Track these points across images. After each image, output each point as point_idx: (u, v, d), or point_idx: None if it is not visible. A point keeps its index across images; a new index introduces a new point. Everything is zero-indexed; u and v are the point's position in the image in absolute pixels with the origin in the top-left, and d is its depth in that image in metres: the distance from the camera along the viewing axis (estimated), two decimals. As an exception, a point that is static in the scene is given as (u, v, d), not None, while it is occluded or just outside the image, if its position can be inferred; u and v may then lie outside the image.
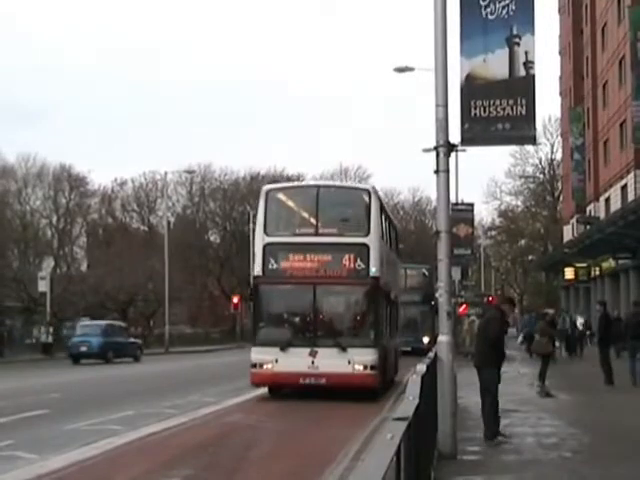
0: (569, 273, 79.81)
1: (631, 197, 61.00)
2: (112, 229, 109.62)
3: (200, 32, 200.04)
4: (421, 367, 16.06)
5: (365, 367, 32.50)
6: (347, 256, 33.64)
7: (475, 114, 19.71)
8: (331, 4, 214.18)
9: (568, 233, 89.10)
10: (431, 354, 21.32)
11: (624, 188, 66.42)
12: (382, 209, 37.71)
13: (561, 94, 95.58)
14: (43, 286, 76.57)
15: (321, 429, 25.95)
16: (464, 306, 61.63)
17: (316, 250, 34.18)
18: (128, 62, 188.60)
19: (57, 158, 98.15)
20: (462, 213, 61.43)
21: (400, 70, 52.20)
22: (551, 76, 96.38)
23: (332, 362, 32.43)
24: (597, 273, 72.70)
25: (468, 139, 20.12)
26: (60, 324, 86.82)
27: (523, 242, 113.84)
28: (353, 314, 35.40)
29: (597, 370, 38.17)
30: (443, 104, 19.24)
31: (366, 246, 33.47)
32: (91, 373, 51.29)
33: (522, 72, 19.84)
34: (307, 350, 32.97)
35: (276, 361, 33.11)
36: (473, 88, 19.81)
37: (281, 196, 36.60)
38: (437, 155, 19.31)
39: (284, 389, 35.42)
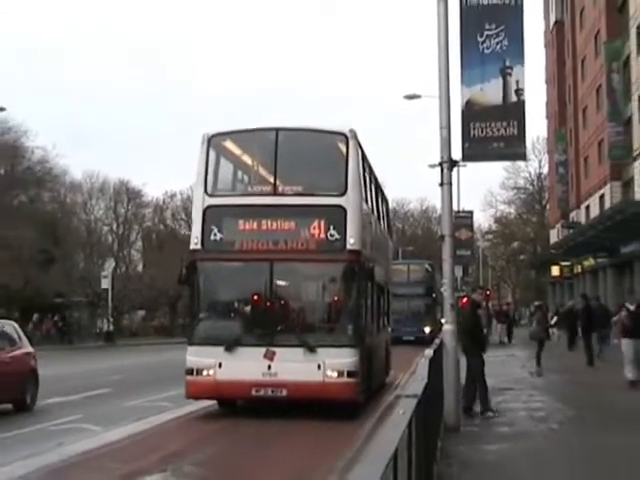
0: (555, 270, 79.78)
1: (608, 205, 60.86)
2: (164, 235, 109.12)
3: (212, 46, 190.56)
4: (429, 352, 16.00)
5: (341, 374, 20.42)
6: (316, 222, 21.31)
7: (474, 134, 19.75)
8: (344, 25, 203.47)
9: (554, 236, 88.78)
10: (437, 341, 21.28)
11: (602, 197, 66.32)
12: (365, 161, 24.14)
13: (547, 117, 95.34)
14: (105, 284, 76.82)
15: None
16: (465, 299, 61.22)
17: (274, 215, 21.68)
18: (160, 79, 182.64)
19: (117, 174, 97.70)
20: (463, 219, 61.16)
21: (409, 97, 52.16)
22: (538, 102, 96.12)
23: (296, 367, 20.54)
24: (579, 270, 72.58)
25: (468, 156, 20.16)
26: (120, 316, 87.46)
27: (516, 244, 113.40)
28: (325, 301, 22.61)
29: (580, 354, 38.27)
30: (446, 126, 19.32)
31: (341, 209, 21.21)
32: (147, 358, 51.19)
33: (514, 98, 19.88)
34: (262, 350, 20.78)
35: (219, 366, 20.97)
36: (472, 112, 19.85)
37: (228, 144, 24.00)
38: (441, 170, 19.47)
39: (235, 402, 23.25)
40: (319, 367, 20.65)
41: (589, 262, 66.69)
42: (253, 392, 20.93)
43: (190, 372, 21.35)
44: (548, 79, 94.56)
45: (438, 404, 15.68)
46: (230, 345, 21.16)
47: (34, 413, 22.35)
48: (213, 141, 22.79)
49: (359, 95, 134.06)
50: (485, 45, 19.69)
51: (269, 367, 20.85)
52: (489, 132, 19.72)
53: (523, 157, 22.88)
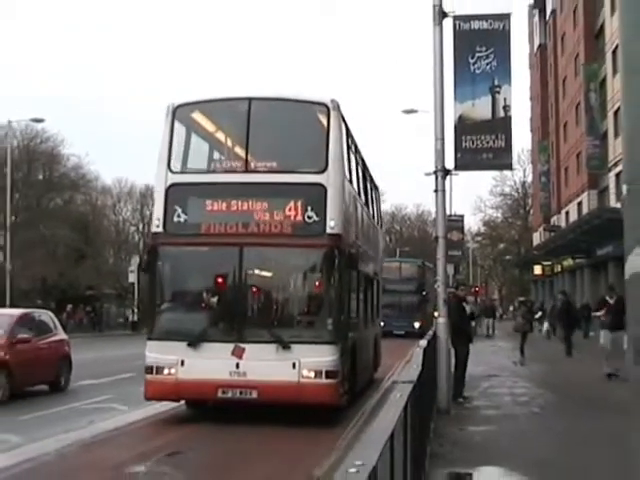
0: (537, 269, 79.76)
1: (585, 211, 60.90)
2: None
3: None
4: (423, 342, 15.99)
5: (318, 374, 16.93)
6: (292, 203, 17.60)
7: (465, 146, 19.75)
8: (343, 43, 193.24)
9: (537, 238, 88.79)
10: (430, 332, 21.25)
11: (580, 204, 66.39)
12: (349, 138, 20.15)
13: (531, 131, 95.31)
14: (132, 278, 76.66)
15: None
16: (451, 295, 60.58)
17: (245, 194, 17.92)
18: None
19: (143, 180, 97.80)
20: (455, 223, 61.22)
21: (407, 112, 52.01)
22: (524, 117, 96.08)
23: (268, 366, 16.95)
24: (559, 270, 72.53)
25: (460, 165, 20.13)
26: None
27: (502, 245, 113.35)
28: (301, 292, 18.54)
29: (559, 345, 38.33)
30: (441, 138, 19.34)
31: (321, 188, 17.56)
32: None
33: (502, 114, 19.87)
34: (229, 347, 17.20)
35: (182, 364, 17.35)
36: (464, 126, 19.85)
37: (195, 115, 19.64)
38: (436, 177, 19.50)
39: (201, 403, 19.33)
40: (294, 366, 16.82)
41: (568, 262, 66.68)
42: (219, 394, 17.11)
43: (149, 370, 17.54)
44: (532, 97, 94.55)
45: (431, 389, 15.68)
46: (194, 341, 17.28)
47: (67, 394, 22.40)
48: (179, 112, 18.70)
49: (358, 102, 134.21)
50: (476, 66, 19.73)
51: (237, 366, 17.01)
52: (479, 144, 19.73)
53: (510, 167, 22.92)
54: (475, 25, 20.00)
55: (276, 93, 19.73)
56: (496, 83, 19.83)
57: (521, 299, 49.64)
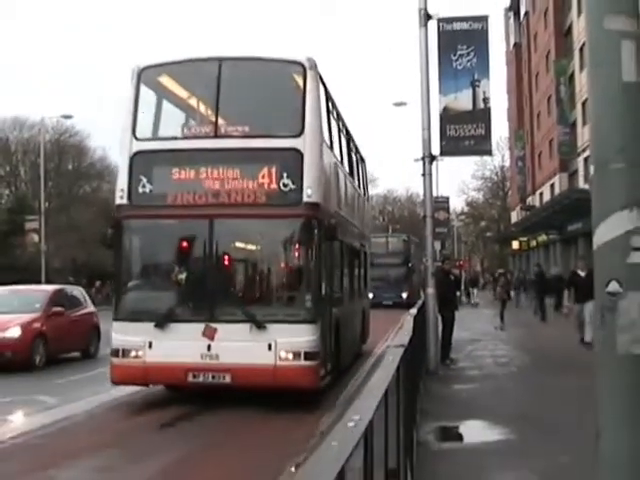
0: (515, 244, 79.63)
1: (557, 192, 60.92)
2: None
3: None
4: (413, 311, 16.03)
5: (296, 355, 14.36)
6: (266, 170, 14.93)
7: (450, 134, 19.78)
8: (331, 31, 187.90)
9: (514, 217, 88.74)
10: (420, 302, 21.26)
11: (552, 186, 66.37)
12: (329, 100, 17.61)
13: (508, 120, 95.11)
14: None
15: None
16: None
17: (215, 161, 15.26)
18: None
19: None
20: (441, 203, 60.97)
21: (397, 104, 51.70)
22: (501, 108, 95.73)
23: (241, 347, 14.37)
24: (534, 244, 72.55)
25: (445, 152, 20.17)
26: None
27: (483, 223, 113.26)
28: (277, 266, 15.93)
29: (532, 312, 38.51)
30: (427, 127, 19.30)
31: (297, 153, 14.92)
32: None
33: (481, 105, 19.91)
34: (200, 327, 14.56)
35: (149, 346, 14.72)
36: (448, 116, 19.89)
37: (162, 78, 16.85)
38: (423, 163, 19.48)
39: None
40: (270, 347, 14.19)
41: (542, 238, 66.74)
42: (189, 378, 14.48)
43: (115, 353, 14.92)
44: (509, 90, 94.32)
45: (421, 352, 15.70)
46: (161, 321, 14.64)
47: (97, 360, 22.36)
48: (144, 75, 15.90)
49: (352, 95, 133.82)
50: (458, 62, 19.75)
51: (209, 347, 14.42)
52: (462, 132, 19.76)
53: (489, 153, 22.96)
54: (457, 26, 20.06)
55: (248, 53, 16.56)
56: (476, 78, 19.89)
57: (501, 271, 49.57)
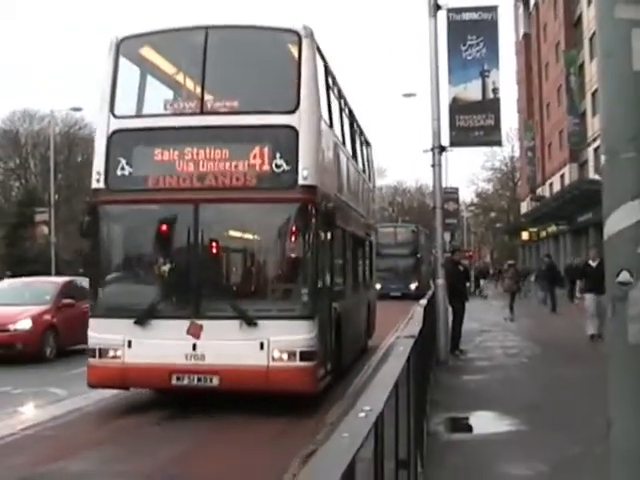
0: (525, 235, 79.41)
1: (567, 182, 60.84)
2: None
3: None
4: (423, 301, 16.01)
5: (291, 355, 12.93)
6: (257, 150, 13.40)
7: (459, 125, 19.77)
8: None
9: (524, 207, 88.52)
10: (430, 292, 21.23)
11: (562, 176, 66.24)
12: (328, 73, 16.01)
13: (518, 111, 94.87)
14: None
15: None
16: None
17: (201, 140, 13.75)
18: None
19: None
20: (450, 194, 60.70)
21: (407, 95, 51.46)
22: (511, 99, 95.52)
23: (230, 346, 12.96)
24: (544, 235, 72.41)
25: (455, 142, 20.15)
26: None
27: (493, 214, 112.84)
28: (270, 256, 14.36)
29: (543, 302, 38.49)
30: (437, 118, 19.31)
31: (292, 131, 13.42)
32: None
33: (491, 96, 19.90)
34: (184, 324, 13.11)
35: (129, 345, 13.27)
36: (457, 107, 19.89)
37: (143, 50, 15.20)
38: (433, 154, 19.47)
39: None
40: (262, 347, 12.77)
41: (552, 228, 66.60)
42: (173, 381, 13.03)
43: (92, 353, 13.48)
44: (519, 81, 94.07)
45: (431, 343, 15.68)
46: (142, 317, 13.19)
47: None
48: (124, 46, 14.32)
49: (361, 86, 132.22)
50: (468, 53, 19.74)
51: (194, 347, 12.97)
52: (471, 123, 19.76)
53: (499, 143, 22.88)
54: (466, 16, 20.04)
55: (237, 20, 15.15)
56: (486, 68, 19.88)
57: (510, 262, 49.32)
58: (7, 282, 26.05)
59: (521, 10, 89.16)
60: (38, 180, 79.62)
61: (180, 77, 15.71)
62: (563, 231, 62.88)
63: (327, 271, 14.66)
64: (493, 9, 20.30)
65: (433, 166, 19.62)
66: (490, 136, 20.27)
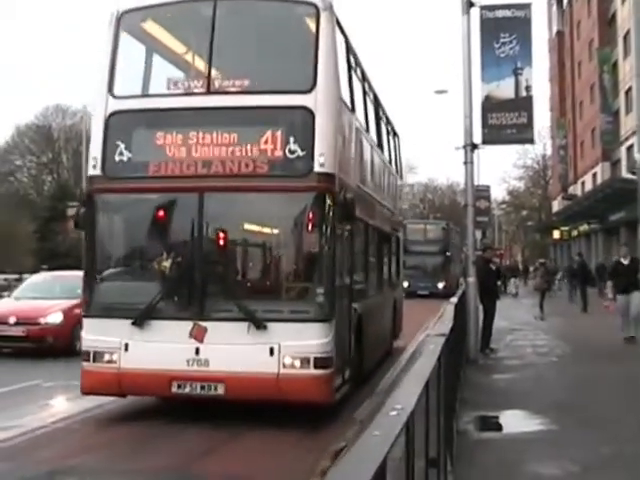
0: (556, 234, 79.05)
1: (599, 181, 60.55)
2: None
3: None
4: (454, 299, 15.97)
5: (305, 362, 11.65)
6: (269, 133, 12.08)
7: (491, 123, 19.68)
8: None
9: (555, 206, 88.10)
10: (459, 291, 21.16)
11: (594, 175, 65.92)
12: (349, 51, 14.48)
13: (550, 109, 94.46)
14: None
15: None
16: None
17: (207, 122, 12.49)
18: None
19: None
20: (482, 192, 60.27)
21: (439, 92, 51.21)
22: (543, 96, 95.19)
23: (237, 351, 11.77)
24: (576, 234, 72.04)
25: (487, 140, 20.02)
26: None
27: (524, 212, 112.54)
28: (282, 252, 13.03)
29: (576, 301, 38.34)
30: (469, 116, 19.26)
31: (307, 112, 12.12)
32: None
33: (524, 93, 19.79)
34: (187, 326, 11.93)
35: (125, 348, 12.12)
36: (490, 104, 19.79)
37: (146, 24, 13.81)
38: (465, 151, 19.43)
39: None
40: (272, 352, 11.54)
41: (584, 227, 66.28)
42: (174, 388, 11.85)
43: (86, 357, 12.33)
44: (551, 78, 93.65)
45: (462, 341, 15.64)
46: (140, 318, 11.98)
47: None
48: (125, 20, 13.07)
49: (393, 83, 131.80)
50: (500, 50, 19.66)
51: (197, 351, 11.76)
52: (504, 121, 19.67)
53: (531, 141, 22.74)
54: (499, 14, 19.95)
55: None
56: (519, 66, 19.77)
57: (541, 261, 48.97)
58: (42, 276, 26.13)
59: (554, 7, 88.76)
60: (70, 175, 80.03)
61: (186, 53, 14.25)
62: (595, 230, 62.59)
63: (347, 269, 13.43)
64: (526, 6, 20.19)
65: (465, 163, 19.59)
66: (522, 134, 20.19)
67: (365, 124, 16.10)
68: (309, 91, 12.13)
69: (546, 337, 24.31)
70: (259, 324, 11.67)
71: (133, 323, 12.02)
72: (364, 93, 16.43)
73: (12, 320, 20.39)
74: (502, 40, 19.73)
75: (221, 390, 11.71)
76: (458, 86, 19.57)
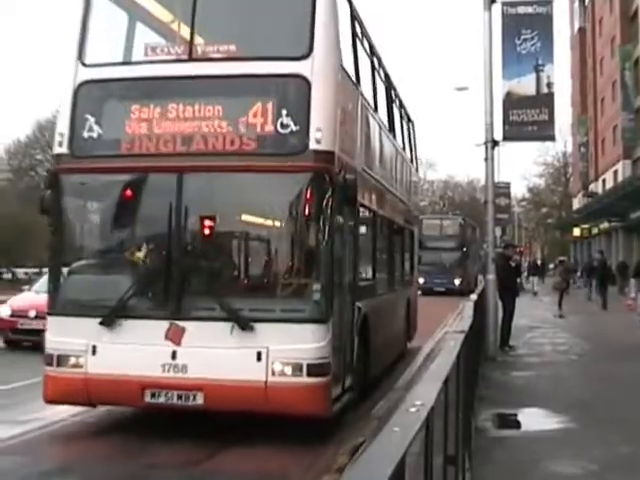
0: (576, 231, 78.84)
1: (620, 178, 60.33)
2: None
3: None
4: (474, 296, 15.94)
5: (297, 369, 9.97)
6: (258, 105, 10.38)
7: (512, 119, 19.66)
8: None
9: (576, 203, 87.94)
10: (480, 288, 21.10)
11: (615, 172, 65.71)
12: (354, 17, 12.76)
13: (572, 106, 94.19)
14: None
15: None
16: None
17: (189, 93, 10.81)
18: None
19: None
20: (502, 189, 59.44)
21: (459, 89, 51.22)
22: (565, 93, 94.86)
23: (219, 355, 10.11)
24: (596, 232, 71.81)
25: (507, 137, 20.04)
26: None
27: (545, 210, 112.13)
28: (272, 241, 11.22)
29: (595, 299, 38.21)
30: (490, 112, 19.24)
31: (302, 81, 10.45)
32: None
33: (545, 90, 19.75)
34: (162, 326, 10.28)
35: (93, 351, 10.46)
36: (511, 101, 19.77)
37: None
38: (486, 148, 19.44)
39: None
40: (259, 357, 9.99)
41: (604, 225, 66.05)
42: (147, 397, 10.31)
43: (49, 361, 10.80)
44: (573, 75, 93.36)
45: (480, 338, 15.62)
46: (110, 316, 10.43)
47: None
48: None
49: (413, 81, 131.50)
50: (522, 47, 19.62)
51: (174, 355, 10.20)
52: (525, 118, 19.64)
53: (552, 138, 22.66)
54: (521, 10, 19.93)
55: None
56: (540, 62, 19.74)
57: (561, 259, 48.79)
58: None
59: (576, 4, 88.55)
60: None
61: (164, 15, 12.39)
62: (615, 228, 62.38)
63: (350, 263, 11.92)
64: (548, 3, 20.14)
65: (485, 160, 19.59)
66: (543, 131, 20.14)
67: (373, 102, 14.58)
68: (305, 57, 10.57)
69: (565, 335, 24.25)
70: (245, 325, 10.10)
71: (102, 322, 10.46)
72: (373, 69, 14.93)
73: (32, 314, 20.43)
74: (523, 36, 19.69)
75: (200, 400, 10.16)
76: (479, 83, 19.57)
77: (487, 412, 11.95)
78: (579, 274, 55.48)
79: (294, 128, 10.33)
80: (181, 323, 10.27)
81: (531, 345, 21.37)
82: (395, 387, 14.87)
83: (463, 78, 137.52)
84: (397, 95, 18.58)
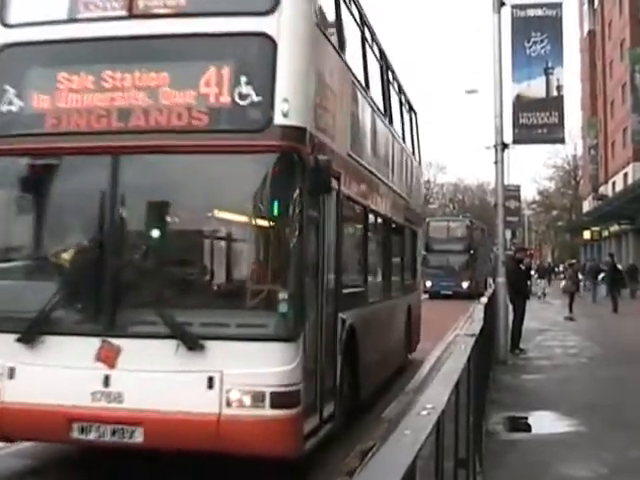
0: (587, 234, 78.72)
1: (630, 181, 60.23)
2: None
3: None
4: (484, 299, 15.93)
5: (258, 399, 7.63)
6: (211, 71, 8.07)
7: (522, 122, 19.67)
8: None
9: (586, 206, 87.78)
10: (490, 291, 21.07)
11: (625, 175, 65.65)
12: None
13: (581, 109, 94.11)
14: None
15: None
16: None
17: (128, 57, 8.49)
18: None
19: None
20: (512, 192, 59.53)
21: (469, 92, 51.18)
22: (574, 96, 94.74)
23: (162, 381, 7.82)
24: (606, 235, 71.73)
25: (517, 140, 20.02)
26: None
27: (555, 212, 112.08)
28: (227, 240, 8.83)
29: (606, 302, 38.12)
30: (499, 115, 19.23)
31: (266, 41, 8.16)
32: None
33: (555, 93, 19.77)
34: (92, 344, 7.94)
35: (10, 374, 8.16)
36: (521, 104, 19.79)
37: None
38: (495, 151, 19.44)
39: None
40: (211, 384, 7.90)
41: (614, 228, 65.97)
42: (74, 433, 8.14)
43: None
44: (582, 78, 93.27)
45: (491, 342, 15.59)
46: (29, 332, 8.34)
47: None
48: None
49: (423, 83, 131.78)
50: (532, 49, 19.63)
51: (106, 380, 8.11)
52: (534, 120, 19.64)
53: (562, 141, 22.62)
54: (530, 13, 19.95)
55: None
56: (550, 65, 19.74)
57: (571, 262, 48.60)
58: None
59: (586, 7, 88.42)
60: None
61: None
62: (625, 230, 62.31)
63: (330, 266, 9.83)
64: (558, 5, 20.15)
65: (495, 163, 19.58)
66: (553, 134, 20.14)
67: (364, 79, 12.53)
68: (270, 12, 8.46)
69: (576, 338, 24.21)
70: (193, 343, 8.02)
71: (20, 339, 8.38)
72: (363, 39, 12.95)
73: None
74: (533, 39, 19.70)
75: (139, 437, 8.05)
76: (488, 86, 19.56)
77: (498, 415, 11.93)
78: (581, 276, 55.29)
79: (255, 99, 8.23)
80: (115, 341, 8.20)
81: (541, 348, 21.35)
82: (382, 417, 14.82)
83: (473, 81, 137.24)
84: (396, 79, 16.71)
